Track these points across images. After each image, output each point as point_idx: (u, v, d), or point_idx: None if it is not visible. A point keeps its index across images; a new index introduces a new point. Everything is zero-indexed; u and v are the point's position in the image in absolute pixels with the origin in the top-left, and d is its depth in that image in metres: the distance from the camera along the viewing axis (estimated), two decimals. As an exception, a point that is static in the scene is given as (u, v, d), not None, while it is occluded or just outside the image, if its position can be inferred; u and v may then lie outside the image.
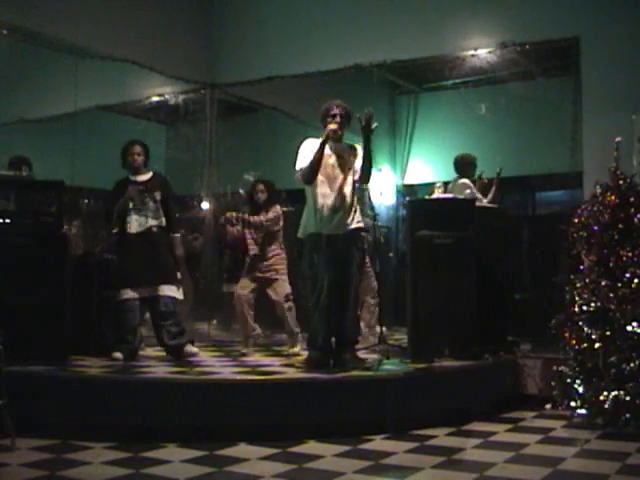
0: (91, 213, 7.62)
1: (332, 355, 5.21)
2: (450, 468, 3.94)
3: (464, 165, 6.86)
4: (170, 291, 5.51)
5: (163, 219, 5.57)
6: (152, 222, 5.51)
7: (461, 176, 6.79)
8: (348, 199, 5.13)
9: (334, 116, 5.15)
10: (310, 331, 5.33)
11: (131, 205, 5.47)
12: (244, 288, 6.10)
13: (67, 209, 6.74)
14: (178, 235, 5.78)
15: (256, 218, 6.06)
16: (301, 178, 5.17)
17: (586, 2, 6.36)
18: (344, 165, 5.16)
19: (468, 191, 6.62)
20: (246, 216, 6.09)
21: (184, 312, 7.24)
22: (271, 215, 6.08)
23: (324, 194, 5.12)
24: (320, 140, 5.06)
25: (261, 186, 6.24)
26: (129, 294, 5.42)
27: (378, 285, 6.30)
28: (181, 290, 5.68)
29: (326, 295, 5.10)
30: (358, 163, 5.14)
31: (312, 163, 5.07)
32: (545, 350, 5.84)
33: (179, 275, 5.74)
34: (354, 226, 5.15)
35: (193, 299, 7.42)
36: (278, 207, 6.21)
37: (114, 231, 5.52)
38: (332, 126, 5.08)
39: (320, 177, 5.12)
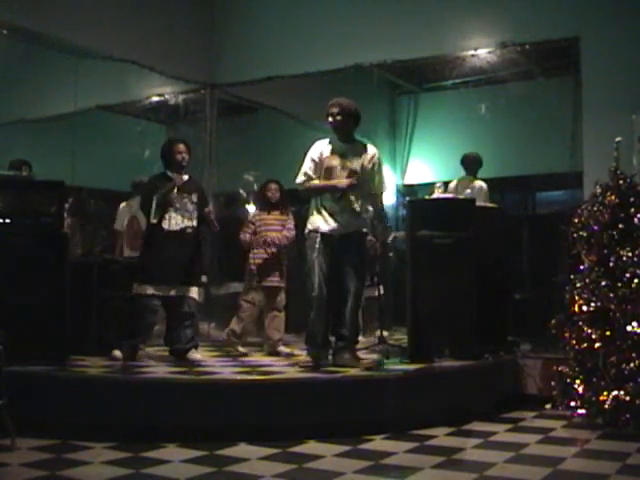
0: (91, 213, 7.62)
1: (331, 352, 5.23)
2: (450, 468, 3.94)
3: (473, 163, 6.90)
4: (195, 293, 5.55)
5: (196, 221, 5.57)
6: (187, 223, 5.51)
7: (469, 174, 6.84)
8: (346, 202, 5.13)
9: (330, 115, 5.17)
10: (308, 329, 5.32)
11: (173, 197, 5.44)
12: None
13: (73, 209, 6.79)
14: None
15: (284, 239, 6.13)
16: (301, 194, 5.29)
17: (586, 2, 6.36)
18: (347, 166, 5.17)
19: (468, 191, 6.64)
20: (272, 239, 6.11)
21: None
22: (291, 225, 6.18)
23: (326, 196, 5.16)
24: (327, 183, 5.13)
25: (275, 185, 6.28)
26: (152, 291, 5.38)
27: (378, 285, 6.30)
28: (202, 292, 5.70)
29: (322, 294, 5.13)
30: (375, 174, 5.20)
31: (314, 191, 5.18)
32: (545, 350, 5.84)
33: (204, 278, 5.72)
34: (353, 228, 5.16)
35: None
36: (291, 216, 6.27)
37: (154, 221, 5.43)
38: (344, 184, 5.08)
39: (325, 179, 5.17)
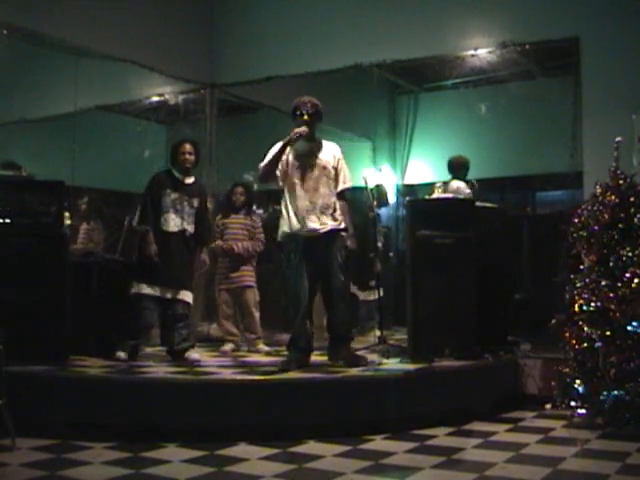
0: (106, 216, 7.64)
1: (309, 355, 5.28)
2: (450, 468, 3.94)
3: (458, 166, 6.87)
4: (188, 297, 5.56)
5: (193, 226, 5.58)
6: (186, 226, 5.53)
7: (455, 177, 6.80)
8: (321, 199, 5.12)
9: (302, 114, 5.18)
10: (293, 333, 5.28)
11: (169, 203, 5.47)
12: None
13: (92, 213, 6.84)
14: (209, 246, 5.89)
15: (253, 251, 6.31)
16: (259, 177, 5.31)
17: (586, 2, 6.36)
18: (318, 164, 5.18)
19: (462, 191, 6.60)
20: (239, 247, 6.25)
21: (196, 320, 7.29)
22: (259, 231, 6.38)
23: (299, 195, 5.11)
24: (283, 142, 5.11)
25: (240, 189, 6.39)
26: (150, 291, 5.41)
27: (378, 289, 6.30)
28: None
29: (307, 297, 5.12)
30: (339, 170, 5.22)
31: (269, 162, 5.15)
32: (545, 350, 5.83)
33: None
34: (331, 226, 5.13)
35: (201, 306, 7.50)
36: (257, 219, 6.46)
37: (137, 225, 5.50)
38: (300, 129, 5.09)
39: (294, 179, 5.14)
